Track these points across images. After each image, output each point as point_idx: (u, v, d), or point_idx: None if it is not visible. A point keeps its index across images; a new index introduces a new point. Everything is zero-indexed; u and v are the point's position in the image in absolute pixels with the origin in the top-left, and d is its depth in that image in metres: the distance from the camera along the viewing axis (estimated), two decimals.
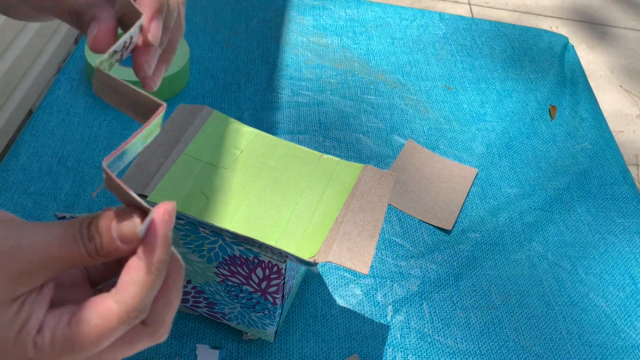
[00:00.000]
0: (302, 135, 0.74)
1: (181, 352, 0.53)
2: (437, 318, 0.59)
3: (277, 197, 0.48)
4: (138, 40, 0.35)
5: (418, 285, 0.61)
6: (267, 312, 0.50)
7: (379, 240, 0.64)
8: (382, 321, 0.58)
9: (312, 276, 0.60)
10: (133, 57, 0.36)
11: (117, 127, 0.71)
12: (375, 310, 0.58)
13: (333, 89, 0.81)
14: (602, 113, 0.84)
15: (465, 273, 0.63)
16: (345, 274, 0.61)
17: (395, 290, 0.60)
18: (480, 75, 0.87)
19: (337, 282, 0.60)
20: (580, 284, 0.63)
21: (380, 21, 0.93)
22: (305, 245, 0.45)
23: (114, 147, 0.69)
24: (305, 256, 0.44)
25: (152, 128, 0.30)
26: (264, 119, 0.75)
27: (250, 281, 0.48)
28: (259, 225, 0.45)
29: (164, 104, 0.31)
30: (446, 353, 0.56)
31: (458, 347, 0.57)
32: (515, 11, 2.20)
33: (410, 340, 0.57)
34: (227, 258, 0.47)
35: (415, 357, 0.56)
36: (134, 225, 0.27)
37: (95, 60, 0.74)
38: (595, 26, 2.18)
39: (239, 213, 0.46)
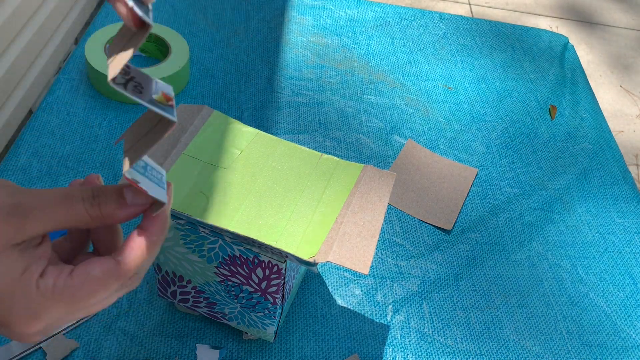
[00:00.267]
0: (302, 135, 0.74)
1: (181, 352, 0.53)
2: (437, 318, 0.59)
3: (277, 197, 0.48)
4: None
5: (418, 285, 0.61)
6: (267, 312, 0.50)
7: (379, 240, 0.64)
8: (382, 321, 0.58)
9: (312, 276, 0.60)
10: None
11: (117, 127, 0.71)
12: (375, 310, 0.58)
13: (333, 88, 0.81)
14: (602, 113, 0.84)
15: (465, 273, 0.63)
16: (345, 274, 0.61)
17: (395, 290, 0.60)
18: (480, 75, 0.87)
19: (337, 282, 0.60)
20: (580, 284, 0.63)
21: (380, 21, 0.93)
22: (305, 245, 0.45)
23: (114, 147, 0.69)
24: (305, 256, 0.44)
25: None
26: (264, 119, 0.75)
27: (250, 281, 0.48)
28: (259, 225, 0.45)
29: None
30: (446, 353, 0.56)
31: (458, 347, 0.57)
32: (515, 11, 2.20)
33: (410, 340, 0.57)
34: (227, 258, 0.47)
35: (415, 357, 0.56)
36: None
37: (94, 60, 0.74)
38: (595, 26, 2.18)
39: (239, 213, 0.46)
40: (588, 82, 0.89)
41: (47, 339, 0.53)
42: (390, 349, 0.56)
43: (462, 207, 0.69)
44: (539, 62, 0.90)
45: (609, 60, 2.05)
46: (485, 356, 0.56)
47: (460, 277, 0.62)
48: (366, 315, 0.58)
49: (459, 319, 0.59)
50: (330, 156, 0.51)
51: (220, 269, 0.49)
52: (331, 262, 0.49)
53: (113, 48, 0.31)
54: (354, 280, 0.61)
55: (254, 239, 0.44)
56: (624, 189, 0.74)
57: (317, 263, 0.44)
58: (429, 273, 0.62)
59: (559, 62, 0.91)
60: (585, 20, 2.20)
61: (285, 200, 0.47)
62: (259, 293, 0.49)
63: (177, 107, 0.53)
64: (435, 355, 0.56)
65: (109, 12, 0.87)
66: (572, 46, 0.94)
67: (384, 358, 0.55)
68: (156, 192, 0.32)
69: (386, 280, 0.61)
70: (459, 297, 0.61)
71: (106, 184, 0.65)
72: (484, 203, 0.70)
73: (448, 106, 0.81)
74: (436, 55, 0.89)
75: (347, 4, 0.96)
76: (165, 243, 0.49)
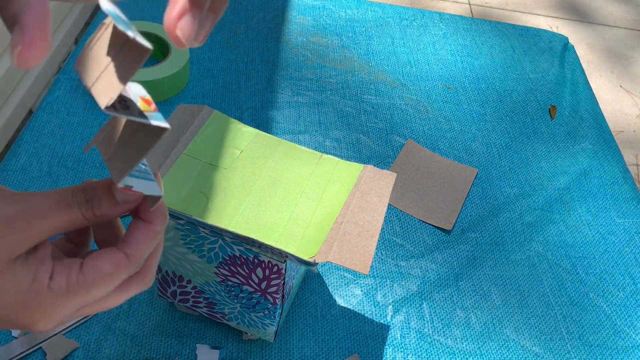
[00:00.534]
0: (302, 135, 0.74)
1: (181, 352, 0.53)
2: (437, 318, 0.59)
3: (277, 197, 0.48)
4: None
5: (418, 286, 0.61)
6: (267, 312, 0.50)
7: (379, 241, 0.64)
8: (382, 321, 0.58)
9: (312, 276, 0.60)
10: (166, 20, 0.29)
11: None
12: (376, 311, 0.58)
13: (333, 89, 0.81)
14: (602, 113, 0.84)
15: (465, 273, 0.63)
16: (346, 274, 0.61)
17: (395, 291, 0.60)
18: (480, 75, 0.87)
19: (337, 282, 0.60)
20: (580, 284, 0.63)
21: (380, 21, 0.93)
22: (305, 246, 0.45)
23: None
24: (305, 256, 0.44)
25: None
26: (264, 119, 0.75)
27: (250, 281, 0.48)
28: (259, 225, 0.45)
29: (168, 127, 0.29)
30: (446, 353, 0.56)
31: (458, 347, 0.57)
32: (515, 11, 2.20)
33: (410, 340, 0.57)
34: (227, 258, 0.47)
35: (415, 357, 0.56)
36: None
37: None
38: (595, 26, 2.18)
39: (239, 213, 0.46)
40: (588, 82, 0.89)
41: (48, 338, 0.53)
42: (391, 349, 0.56)
43: (462, 207, 0.69)
44: (539, 62, 0.90)
45: (609, 60, 2.05)
46: (486, 356, 0.56)
47: (461, 277, 0.62)
48: (366, 315, 0.58)
49: (459, 319, 0.59)
50: (330, 156, 0.51)
51: (220, 269, 0.49)
52: (331, 262, 0.49)
53: (96, 56, 0.27)
54: (354, 280, 0.61)
55: (253, 239, 0.44)
56: (624, 189, 0.74)
57: (317, 263, 0.44)
58: (429, 273, 0.62)
59: (559, 62, 0.91)
60: (586, 20, 2.20)
61: (285, 201, 0.47)
62: (259, 293, 0.49)
63: (177, 107, 0.53)
64: (435, 356, 0.56)
65: None
66: (572, 46, 0.94)
67: (384, 358, 0.55)
68: (149, 188, 0.31)
69: (386, 281, 0.61)
70: (459, 297, 0.61)
71: None
72: (484, 203, 0.70)
73: (448, 106, 0.81)
74: (436, 55, 0.89)
75: (347, 4, 0.95)
76: (165, 243, 0.49)
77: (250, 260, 0.47)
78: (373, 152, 0.73)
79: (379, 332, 0.57)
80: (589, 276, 0.64)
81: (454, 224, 0.67)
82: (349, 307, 0.58)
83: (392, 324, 0.58)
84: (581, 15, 2.22)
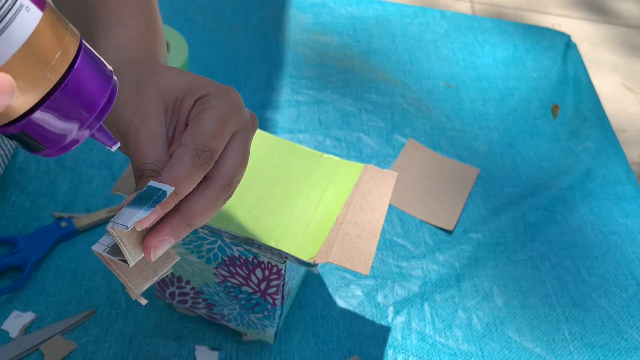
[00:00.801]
0: (302, 134, 0.74)
1: (180, 354, 0.53)
2: (439, 319, 0.58)
3: (277, 197, 0.47)
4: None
5: (419, 286, 0.60)
6: (266, 313, 0.50)
7: (379, 241, 0.64)
8: (382, 322, 0.57)
9: (312, 277, 0.60)
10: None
11: None
12: (376, 311, 0.58)
13: (333, 87, 0.80)
14: (605, 112, 0.83)
15: (467, 274, 0.62)
16: (346, 275, 0.61)
17: (396, 291, 0.60)
18: (482, 73, 0.86)
19: (337, 283, 0.60)
20: (582, 285, 0.63)
21: (381, 19, 0.93)
22: (305, 246, 0.44)
23: None
24: (305, 257, 0.43)
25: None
26: (263, 117, 0.75)
27: (249, 282, 0.48)
28: (259, 226, 0.45)
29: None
30: (447, 354, 0.56)
31: (459, 349, 0.56)
32: (517, 9, 2.19)
33: (411, 342, 0.56)
34: (227, 259, 0.47)
35: (416, 359, 0.55)
36: None
37: None
38: (598, 24, 2.17)
39: (238, 213, 0.45)
40: (591, 81, 0.88)
41: (48, 339, 0.52)
42: (391, 351, 0.55)
43: (463, 207, 0.68)
44: (541, 60, 0.90)
45: (612, 58, 2.04)
46: (487, 357, 0.56)
47: (462, 277, 0.62)
48: (367, 316, 0.58)
49: (460, 320, 0.58)
50: (330, 156, 0.51)
51: (219, 270, 0.48)
52: (331, 263, 0.49)
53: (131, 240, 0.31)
54: (355, 281, 0.60)
55: (253, 240, 0.44)
56: (627, 188, 0.73)
57: (317, 264, 0.44)
58: (430, 274, 0.62)
59: (562, 61, 0.90)
60: (588, 19, 2.19)
61: (285, 201, 0.47)
62: (259, 294, 0.48)
63: None
64: (436, 357, 0.55)
65: None
66: (575, 44, 0.93)
67: (385, 359, 0.55)
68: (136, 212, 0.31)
69: (387, 281, 0.60)
70: (461, 298, 0.60)
71: (104, 183, 0.64)
72: (486, 203, 0.69)
73: (449, 105, 0.81)
74: (437, 54, 0.88)
75: (347, 2, 0.95)
76: None
77: (249, 261, 0.46)
78: (374, 152, 0.73)
79: (380, 333, 0.56)
80: (591, 276, 0.64)
81: (456, 224, 0.66)
82: (349, 308, 0.58)
83: (393, 325, 0.57)
84: (584, 14, 2.22)
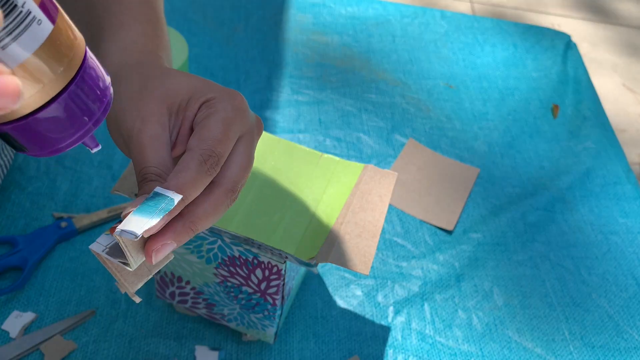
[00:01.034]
0: (302, 134, 0.73)
1: (180, 354, 0.53)
2: (439, 319, 0.58)
3: (277, 197, 0.47)
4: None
5: (419, 286, 0.60)
6: (266, 313, 0.50)
7: (379, 241, 0.64)
8: (383, 322, 0.57)
9: (312, 277, 0.60)
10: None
11: None
12: (376, 311, 0.58)
13: (333, 87, 0.80)
14: (604, 112, 0.83)
15: (467, 274, 0.62)
16: (346, 275, 0.61)
17: (396, 291, 0.60)
18: (482, 73, 0.86)
19: (337, 282, 0.60)
20: (582, 285, 0.63)
21: (381, 19, 0.93)
22: (305, 246, 0.44)
23: (112, 146, 0.68)
24: (305, 257, 0.43)
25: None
26: (263, 117, 0.75)
27: (249, 282, 0.48)
28: (259, 226, 0.45)
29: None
30: (447, 354, 0.56)
31: (459, 349, 0.56)
32: (517, 9, 2.19)
33: (411, 342, 0.56)
34: (227, 259, 0.47)
35: (416, 359, 0.55)
36: None
37: None
38: (598, 24, 2.17)
39: (238, 213, 0.45)
40: (591, 81, 0.88)
41: (47, 339, 0.52)
42: (391, 351, 0.55)
43: (463, 207, 0.68)
44: (541, 60, 0.90)
45: (612, 58, 2.04)
46: (487, 358, 0.56)
47: (462, 277, 0.62)
48: (367, 316, 0.58)
49: (460, 320, 0.58)
50: (330, 156, 0.51)
51: (219, 270, 0.48)
52: (331, 263, 0.49)
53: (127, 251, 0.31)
54: (355, 281, 0.60)
55: (253, 240, 0.44)
56: (627, 188, 0.73)
57: (317, 264, 0.44)
58: (430, 274, 0.62)
59: (562, 61, 0.90)
60: (588, 19, 2.19)
61: (285, 201, 0.47)
62: (259, 294, 0.48)
63: None
64: (436, 357, 0.55)
65: None
66: (575, 44, 0.93)
67: (385, 359, 0.55)
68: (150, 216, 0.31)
69: (387, 281, 0.60)
70: (461, 298, 0.60)
71: (104, 183, 0.64)
72: (486, 203, 0.69)
73: (449, 105, 0.81)
74: (437, 54, 0.88)
75: (347, 2, 0.95)
76: None
77: (249, 261, 0.46)
78: (374, 152, 0.73)
79: (380, 333, 0.56)
80: (591, 277, 0.64)
81: (456, 224, 0.66)
82: (349, 308, 0.58)
83: (393, 325, 0.57)
84: (584, 14, 2.22)
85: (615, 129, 1.79)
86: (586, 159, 0.76)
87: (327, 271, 0.60)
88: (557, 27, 2.13)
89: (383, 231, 0.65)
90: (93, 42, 0.43)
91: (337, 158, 0.50)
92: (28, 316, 0.53)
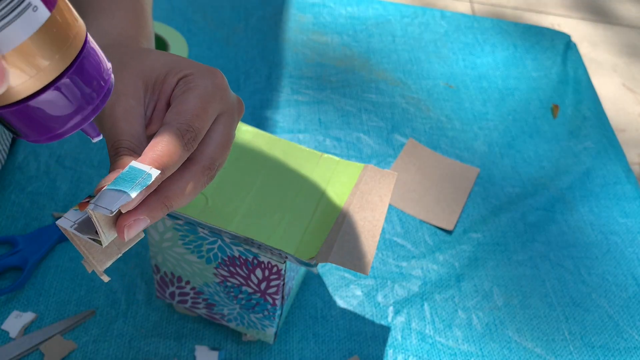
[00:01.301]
0: (302, 134, 0.73)
1: (180, 354, 0.53)
2: (439, 319, 0.58)
3: (277, 197, 0.47)
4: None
5: (419, 286, 0.60)
6: (266, 313, 0.50)
7: (379, 241, 0.64)
8: (382, 322, 0.57)
9: (312, 277, 0.60)
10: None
11: None
12: (376, 311, 0.58)
13: (333, 87, 0.80)
14: (604, 111, 0.83)
15: (467, 274, 0.62)
16: (346, 275, 0.61)
17: (396, 291, 0.60)
18: (482, 73, 0.86)
19: (337, 282, 0.60)
20: (582, 285, 0.63)
21: (381, 19, 0.93)
22: (305, 246, 0.44)
23: None
24: (305, 257, 0.43)
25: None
26: (263, 117, 0.75)
27: (249, 282, 0.48)
28: (259, 226, 0.45)
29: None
30: (447, 354, 0.56)
31: (459, 349, 0.56)
32: (517, 9, 2.19)
33: (411, 342, 0.56)
34: (226, 259, 0.47)
35: (416, 359, 0.55)
36: None
37: None
38: (598, 24, 2.17)
39: (238, 213, 0.45)
40: (590, 81, 0.88)
41: (47, 339, 0.52)
42: (391, 351, 0.55)
43: (463, 207, 0.68)
44: (541, 60, 0.90)
45: (611, 58, 2.04)
46: (487, 358, 0.56)
47: (462, 277, 0.62)
48: (367, 316, 0.57)
49: (460, 320, 0.58)
50: (330, 155, 0.51)
51: (219, 270, 0.48)
52: (331, 263, 0.49)
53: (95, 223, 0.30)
54: (355, 281, 0.60)
55: (253, 240, 0.44)
56: (627, 188, 0.73)
57: (317, 264, 0.44)
58: (430, 274, 0.62)
59: (562, 61, 0.90)
60: (588, 19, 2.19)
61: (285, 201, 0.47)
62: (259, 294, 0.48)
63: None
64: (436, 357, 0.55)
65: None
66: (575, 44, 0.93)
67: (385, 359, 0.55)
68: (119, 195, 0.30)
69: (387, 281, 0.60)
70: (461, 298, 0.60)
71: None
72: (486, 203, 0.69)
73: (449, 105, 0.81)
74: (437, 54, 0.88)
75: (347, 2, 0.95)
76: (163, 244, 0.49)
77: (249, 261, 0.46)
78: (374, 151, 0.73)
79: (380, 333, 0.56)
80: (591, 277, 0.64)
81: (456, 224, 0.66)
82: (349, 308, 0.58)
83: (393, 325, 0.57)
84: (584, 14, 2.22)
85: (615, 129, 1.79)
86: (586, 159, 0.76)
87: (327, 271, 0.60)
88: (557, 27, 2.13)
89: (383, 231, 0.65)
90: None
91: (337, 158, 0.50)
92: (28, 316, 0.53)
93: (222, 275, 0.49)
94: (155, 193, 0.32)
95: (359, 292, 0.59)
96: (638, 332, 0.60)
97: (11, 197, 0.62)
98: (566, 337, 0.58)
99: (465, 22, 0.95)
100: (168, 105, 0.35)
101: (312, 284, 0.59)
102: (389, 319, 0.58)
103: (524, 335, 0.58)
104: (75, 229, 0.30)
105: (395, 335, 0.56)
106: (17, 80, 0.24)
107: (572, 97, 0.84)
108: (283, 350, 0.54)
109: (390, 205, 0.67)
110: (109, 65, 0.29)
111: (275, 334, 0.52)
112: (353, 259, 0.44)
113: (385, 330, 0.57)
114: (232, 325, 0.53)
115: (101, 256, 0.32)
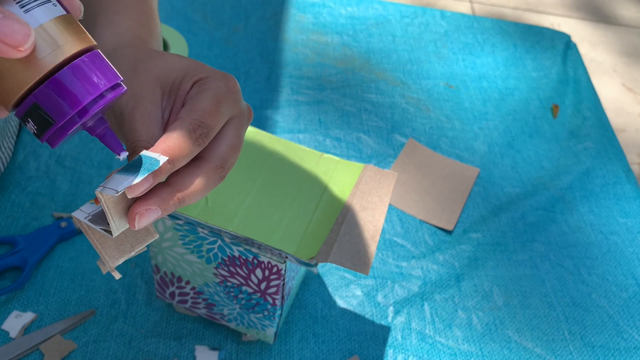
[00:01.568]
0: (302, 134, 0.73)
1: (180, 354, 0.53)
2: (439, 319, 0.58)
3: (277, 197, 0.47)
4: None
5: (419, 286, 0.60)
6: (266, 313, 0.50)
7: (379, 241, 0.64)
8: (382, 322, 0.57)
9: (312, 277, 0.60)
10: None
11: None
12: (376, 311, 0.58)
13: (333, 87, 0.80)
14: (604, 111, 0.83)
15: (467, 273, 0.62)
16: (346, 275, 0.61)
17: (396, 291, 0.60)
18: (482, 73, 0.86)
19: (337, 282, 0.60)
20: (582, 285, 0.63)
21: (381, 19, 0.93)
22: (305, 246, 0.44)
23: None
24: (305, 257, 0.43)
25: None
26: (263, 117, 0.75)
27: (249, 282, 0.48)
28: (259, 226, 0.45)
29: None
30: (447, 354, 0.56)
31: (459, 349, 0.56)
32: (517, 9, 2.19)
33: (411, 342, 0.56)
34: (227, 259, 0.47)
35: (416, 359, 0.55)
36: None
37: None
38: (598, 24, 2.17)
39: (238, 213, 0.45)
40: (590, 81, 0.88)
41: (47, 339, 0.52)
42: (391, 350, 0.55)
43: (463, 207, 0.68)
44: (541, 60, 0.90)
45: (611, 58, 2.04)
46: (487, 357, 0.56)
47: (462, 277, 0.62)
48: (367, 316, 0.58)
49: (460, 320, 0.58)
50: (330, 155, 0.50)
51: (219, 270, 0.48)
52: (331, 263, 0.49)
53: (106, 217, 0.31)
54: (355, 281, 0.60)
55: (253, 240, 0.44)
56: (626, 188, 0.73)
57: (317, 264, 0.44)
58: (430, 274, 0.62)
59: (562, 61, 0.90)
60: (588, 19, 2.19)
61: (285, 201, 0.47)
62: (259, 294, 0.48)
63: None
64: (436, 357, 0.55)
65: None
66: (575, 44, 0.93)
67: (385, 359, 0.55)
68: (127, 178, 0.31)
69: (387, 281, 0.60)
70: (461, 298, 0.60)
71: None
72: (486, 203, 0.69)
73: (449, 105, 0.81)
74: (437, 54, 0.88)
75: (347, 2, 0.95)
76: (163, 243, 0.49)
77: (249, 261, 0.46)
78: (374, 151, 0.73)
79: (380, 333, 0.56)
80: (591, 276, 0.64)
81: (456, 224, 0.66)
82: (349, 308, 0.58)
83: (393, 325, 0.57)
84: (584, 14, 2.22)
85: (615, 129, 1.79)
86: (586, 159, 0.76)
87: (327, 271, 0.60)
88: (557, 27, 2.13)
89: (383, 231, 0.65)
90: (87, 29, 0.43)
91: (337, 158, 0.50)
92: (28, 316, 0.53)
93: (222, 275, 0.49)
94: (168, 186, 0.33)
95: (359, 292, 0.59)
96: (638, 332, 0.60)
97: (11, 197, 0.62)
98: (566, 337, 0.58)
99: (465, 22, 0.95)
100: (184, 107, 0.36)
101: (312, 284, 0.59)
102: (389, 319, 0.58)
103: (524, 335, 0.58)
104: (88, 220, 0.31)
105: (395, 335, 0.56)
106: (44, 51, 0.29)
107: (572, 97, 0.84)
108: (283, 350, 0.54)
109: (390, 205, 0.67)
110: (122, 79, 0.32)
111: (275, 334, 0.52)
112: (353, 259, 0.44)
113: (385, 330, 0.57)
114: (232, 325, 0.53)
115: (114, 252, 0.33)
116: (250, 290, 0.48)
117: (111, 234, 0.31)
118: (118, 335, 0.53)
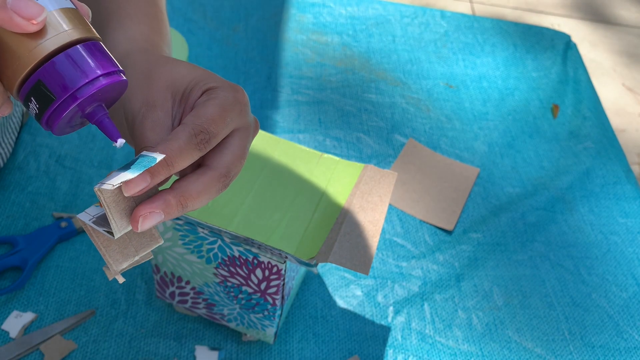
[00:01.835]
0: (302, 134, 0.73)
1: (180, 354, 0.53)
2: (439, 319, 0.58)
3: (277, 197, 0.47)
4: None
5: (419, 286, 0.60)
6: (266, 313, 0.50)
7: (379, 241, 0.64)
8: (382, 322, 0.57)
9: (312, 277, 0.60)
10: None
11: None
12: (376, 311, 0.58)
13: (333, 87, 0.80)
14: (604, 111, 0.83)
15: (467, 273, 0.62)
16: (346, 275, 0.61)
17: (396, 291, 0.60)
18: (482, 73, 0.86)
19: (337, 283, 0.60)
20: (582, 285, 0.63)
21: (381, 19, 0.93)
22: (305, 246, 0.44)
23: (112, 146, 0.68)
24: (305, 257, 0.43)
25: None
26: (263, 117, 0.75)
27: (249, 282, 0.48)
28: (259, 226, 0.45)
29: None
30: (447, 354, 0.56)
31: (459, 349, 0.56)
32: (517, 9, 2.19)
33: (411, 342, 0.56)
34: (227, 259, 0.47)
35: (416, 359, 0.55)
36: None
37: None
38: (598, 24, 2.17)
39: (238, 213, 0.45)
40: (590, 81, 0.88)
41: (47, 339, 0.52)
42: (391, 351, 0.55)
43: (463, 207, 0.68)
44: (541, 60, 0.90)
45: (611, 58, 2.04)
46: (487, 357, 0.56)
47: (462, 277, 0.62)
48: (367, 316, 0.58)
49: (460, 320, 0.58)
50: (330, 155, 0.50)
51: (219, 270, 0.48)
52: (331, 263, 0.49)
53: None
54: (355, 281, 0.60)
55: (253, 240, 0.44)
56: (626, 188, 0.73)
57: (317, 264, 0.44)
58: (430, 274, 0.62)
59: (562, 61, 0.90)
60: (588, 19, 2.19)
61: (285, 201, 0.47)
62: (259, 294, 0.48)
63: None
64: (436, 357, 0.55)
65: None
66: (575, 44, 0.93)
67: (385, 359, 0.55)
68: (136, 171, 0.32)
69: (387, 281, 0.60)
70: (461, 298, 0.60)
71: None
72: (486, 203, 0.69)
73: (449, 105, 0.81)
74: (437, 54, 0.88)
75: (347, 2, 0.95)
76: (163, 243, 0.49)
77: (249, 261, 0.46)
78: (374, 151, 0.73)
79: (380, 333, 0.56)
80: (591, 277, 0.64)
81: (456, 224, 0.66)
82: (349, 308, 0.58)
83: (393, 325, 0.57)
84: (584, 14, 2.22)
85: (615, 129, 1.79)
86: (586, 159, 0.76)
87: (327, 271, 0.60)
88: (557, 27, 2.13)
89: (383, 231, 0.65)
90: (99, 31, 0.44)
91: (337, 158, 0.50)
92: (28, 316, 0.53)
93: (222, 275, 0.49)
94: (172, 190, 0.34)
95: (359, 292, 0.59)
96: (638, 332, 0.60)
97: (11, 197, 0.62)
98: (566, 337, 0.58)
99: (465, 22, 0.95)
100: None
101: (312, 284, 0.59)
102: (389, 319, 0.58)
103: (524, 335, 0.58)
104: (92, 222, 0.32)
105: (395, 335, 0.56)
106: (51, 33, 0.30)
107: (572, 97, 0.84)
108: (283, 350, 0.54)
109: (390, 205, 0.67)
110: (121, 68, 0.34)
111: (275, 334, 0.52)
112: (353, 259, 0.44)
113: (385, 330, 0.57)
114: (232, 325, 0.53)
115: (118, 255, 0.33)
116: (250, 290, 0.48)
117: (113, 235, 0.32)
118: (118, 335, 0.53)
